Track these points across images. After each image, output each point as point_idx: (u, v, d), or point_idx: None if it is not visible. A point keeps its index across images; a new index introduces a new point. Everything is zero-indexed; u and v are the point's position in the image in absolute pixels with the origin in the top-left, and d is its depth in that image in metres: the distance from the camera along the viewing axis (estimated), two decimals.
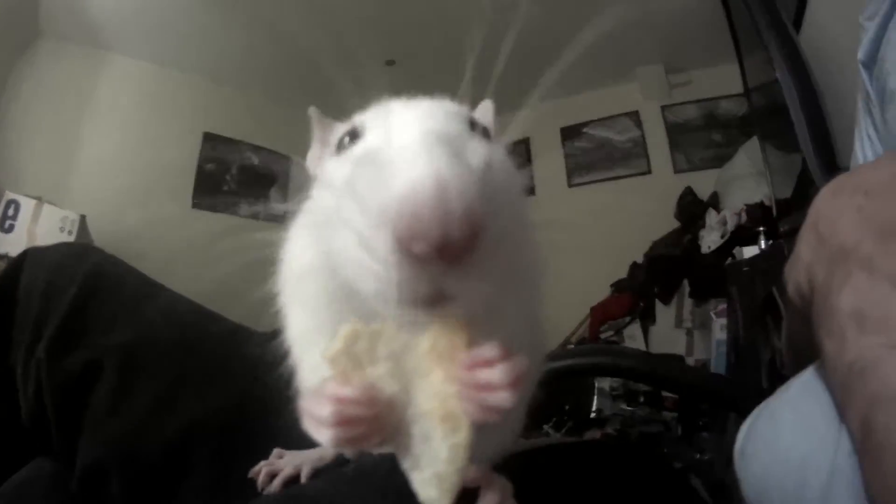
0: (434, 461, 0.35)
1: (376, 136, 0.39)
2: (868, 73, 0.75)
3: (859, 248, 0.48)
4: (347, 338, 0.37)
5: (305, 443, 0.49)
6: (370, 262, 0.33)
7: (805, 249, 0.54)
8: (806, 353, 0.55)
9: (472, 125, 0.43)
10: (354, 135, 0.42)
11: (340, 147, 0.43)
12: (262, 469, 0.66)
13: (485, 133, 0.44)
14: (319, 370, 0.41)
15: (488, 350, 0.35)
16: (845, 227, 0.50)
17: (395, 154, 0.33)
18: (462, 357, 0.35)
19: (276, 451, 0.68)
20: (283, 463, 0.66)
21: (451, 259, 0.31)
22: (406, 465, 0.37)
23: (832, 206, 0.53)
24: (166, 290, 0.88)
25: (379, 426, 0.37)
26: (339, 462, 0.64)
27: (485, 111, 0.54)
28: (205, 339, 0.82)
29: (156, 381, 0.75)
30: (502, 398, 0.34)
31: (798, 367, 0.61)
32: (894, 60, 0.70)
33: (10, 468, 0.73)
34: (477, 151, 0.35)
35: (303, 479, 0.65)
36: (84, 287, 0.77)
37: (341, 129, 0.46)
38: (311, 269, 0.42)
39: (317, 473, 0.65)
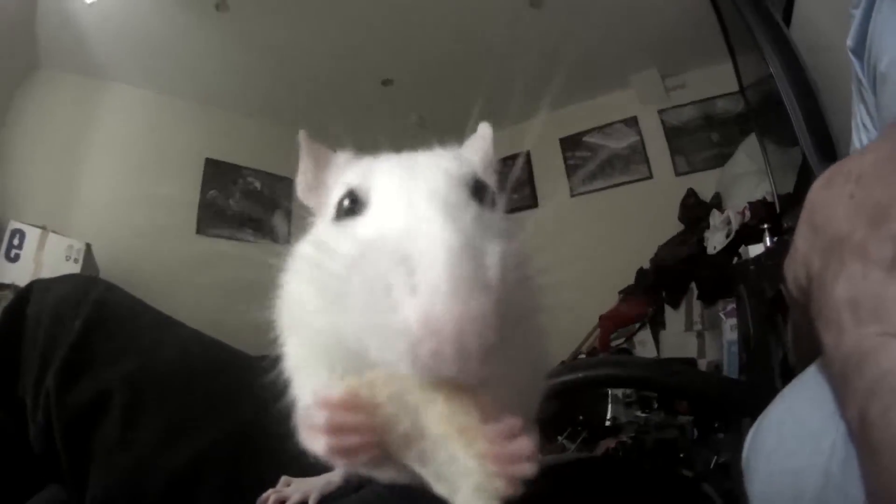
0: (468, 475, 0.36)
1: (389, 222, 0.39)
2: (858, 60, 0.75)
3: (852, 236, 0.47)
4: (348, 394, 0.37)
5: (313, 470, 0.50)
6: (383, 344, 0.35)
7: (801, 242, 0.54)
8: (811, 348, 0.55)
9: (479, 189, 0.43)
10: (354, 200, 0.43)
11: (339, 211, 0.44)
12: (269, 497, 0.66)
13: (488, 194, 0.44)
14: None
15: (511, 422, 0.37)
16: (838, 216, 0.50)
17: (418, 269, 0.34)
18: (476, 415, 0.36)
19: (283, 478, 0.68)
20: (291, 490, 0.66)
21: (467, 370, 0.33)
22: (444, 491, 0.37)
23: (825, 197, 0.53)
24: (171, 320, 0.88)
25: (374, 436, 0.37)
26: (347, 489, 0.64)
27: (483, 137, 0.56)
28: (210, 369, 0.83)
29: (162, 413, 0.76)
30: (528, 469, 0.35)
31: (805, 363, 0.61)
32: (881, 44, 0.70)
33: (23, 495, 0.74)
34: (494, 252, 0.36)
35: None
36: (89, 319, 0.77)
37: (335, 171, 0.49)
38: (312, 320, 0.43)
39: (325, 501, 0.65)
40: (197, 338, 0.88)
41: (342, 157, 0.51)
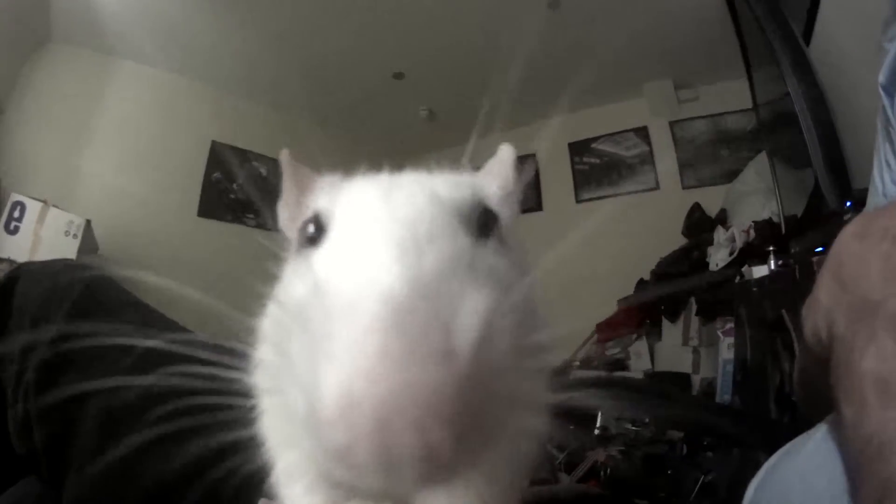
0: None
1: (338, 257, 0.30)
2: (889, 98, 0.71)
3: (886, 305, 0.43)
4: None
5: None
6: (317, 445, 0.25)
7: (824, 294, 0.50)
8: (821, 396, 0.51)
9: (484, 223, 0.34)
10: (319, 227, 0.34)
11: (301, 239, 0.35)
12: None
13: (496, 228, 0.35)
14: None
15: None
16: (871, 278, 0.45)
17: (339, 318, 0.25)
18: None
19: (262, 501, 0.66)
20: None
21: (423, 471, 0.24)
22: None
23: (856, 251, 0.48)
24: (156, 314, 0.86)
25: None
26: None
27: (502, 161, 0.45)
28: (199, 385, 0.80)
29: (141, 421, 0.73)
30: None
31: (811, 406, 0.58)
32: None
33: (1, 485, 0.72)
34: (476, 304, 0.26)
35: None
36: (73, 313, 0.75)
37: (317, 196, 0.38)
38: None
39: None
40: (182, 339, 0.85)
41: (328, 181, 0.41)
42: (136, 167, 2.68)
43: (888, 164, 0.72)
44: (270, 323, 0.35)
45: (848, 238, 0.49)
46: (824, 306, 0.49)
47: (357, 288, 0.26)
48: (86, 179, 2.59)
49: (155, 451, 0.72)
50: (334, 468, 0.25)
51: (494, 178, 0.43)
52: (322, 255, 0.31)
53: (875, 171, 0.74)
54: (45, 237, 2.22)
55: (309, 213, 0.36)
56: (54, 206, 2.29)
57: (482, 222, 0.33)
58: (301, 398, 0.26)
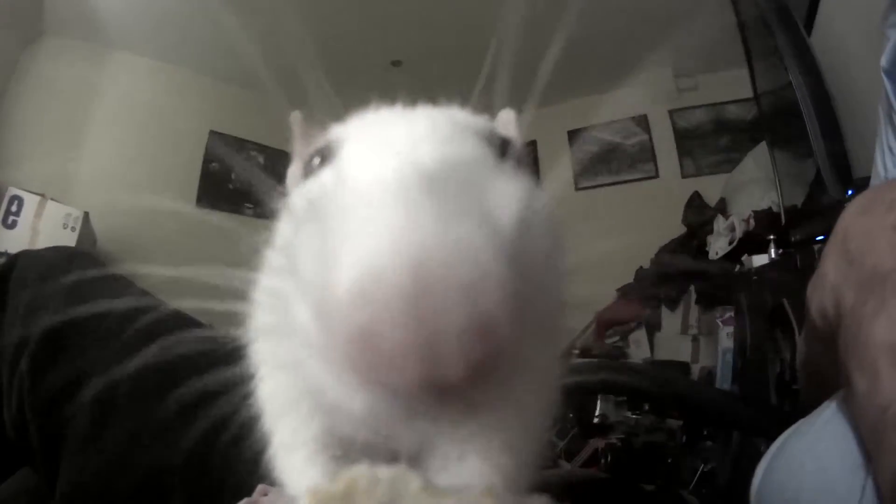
0: None
1: (342, 165, 0.26)
2: (892, 82, 0.71)
3: None
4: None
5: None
6: (326, 380, 0.22)
7: (831, 270, 0.50)
8: (825, 378, 0.51)
9: (500, 145, 0.31)
10: (326, 155, 0.31)
11: (307, 171, 0.32)
12: None
13: (516, 157, 0.32)
14: (296, 451, 0.35)
15: None
16: (879, 248, 0.45)
17: (348, 202, 0.22)
18: None
19: (260, 487, 0.65)
20: (267, 501, 0.63)
21: (450, 397, 0.20)
22: None
23: (863, 225, 0.48)
24: (151, 301, 0.85)
25: None
26: None
27: (506, 124, 0.42)
28: (188, 362, 0.79)
29: (136, 407, 0.72)
30: None
31: (814, 392, 0.57)
32: None
33: None
34: (506, 194, 0.23)
35: None
36: (67, 301, 0.74)
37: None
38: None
39: None
40: (178, 323, 0.84)
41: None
42: (133, 158, 2.67)
43: (890, 149, 0.72)
44: (269, 261, 0.31)
45: (853, 213, 0.50)
46: (831, 283, 0.49)
47: (380, 166, 0.23)
48: (83, 172, 2.58)
49: (147, 434, 0.72)
50: (354, 371, 0.20)
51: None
52: (333, 167, 0.28)
53: (877, 157, 0.74)
54: (43, 231, 2.22)
55: (317, 146, 0.33)
56: (52, 199, 2.29)
57: (500, 143, 0.31)
58: (308, 292, 0.21)
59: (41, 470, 0.71)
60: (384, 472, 0.24)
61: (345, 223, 0.20)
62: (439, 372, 0.18)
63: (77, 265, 0.80)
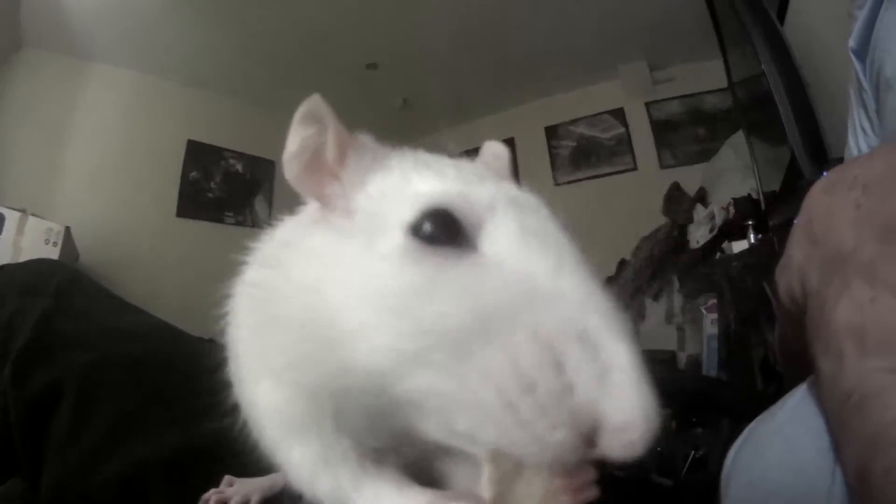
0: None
1: (537, 280, 0.33)
2: (860, 62, 0.70)
3: (859, 253, 0.41)
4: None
5: (256, 471, 0.45)
6: (510, 428, 0.30)
7: (797, 251, 0.49)
8: (801, 361, 0.48)
9: None
10: (455, 228, 0.34)
11: (435, 234, 0.34)
12: (211, 497, 0.65)
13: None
14: (319, 466, 0.38)
15: (587, 473, 0.34)
16: (842, 227, 0.44)
17: (606, 351, 0.30)
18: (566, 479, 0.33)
19: (226, 478, 0.66)
20: (233, 491, 0.64)
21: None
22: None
23: (826, 204, 0.47)
24: (134, 309, 0.86)
25: None
26: (290, 492, 0.63)
27: (497, 156, 0.48)
28: (164, 361, 0.80)
29: (113, 407, 0.74)
30: (595, 493, 0.34)
31: (793, 374, 0.55)
32: (887, 47, 0.65)
33: None
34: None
35: None
36: (49, 308, 0.76)
37: (391, 165, 0.38)
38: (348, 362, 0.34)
39: (266, 503, 0.64)
40: (155, 326, 0.86)
41: (368, 143, 0.40)
42: (113, 171, 2.66)
43: (863, 130, 0.71)
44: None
45: (817, 193, 0.48)
46: (797, 264, 0.48)
47: (602, 318, 0.32)
48: (64, 186, 2.57)
49: (125, 430, 0.73)
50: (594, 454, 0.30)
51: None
52: (497, 269, 0.33)
53: (850, 139, 0.74)
54: (25, 247, 2.20)
55: (419, 203, 0.35)
56: (33, 214, 2.27)
57: None
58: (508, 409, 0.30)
59: (25, 473, 0.72)
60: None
61: (620, 389, 0.30)
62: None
63: (56, 277, 0.81)
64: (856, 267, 0.41)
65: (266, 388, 0.39)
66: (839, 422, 0.40)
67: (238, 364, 0.41)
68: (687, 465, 1.48)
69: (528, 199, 0.38)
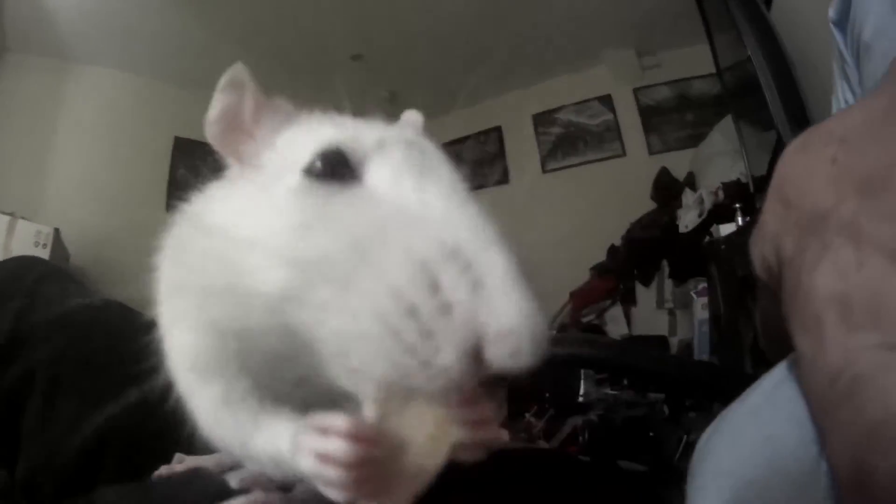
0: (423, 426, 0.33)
1: (414, 202, 0.34)
2: (841, 33, 0.68)
3: (839, 210, 0.36)
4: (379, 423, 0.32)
5: (206, 448, 0.46)
6: (399, 356, 0.30)
7: (769, 217, 0.43)
8: (784, 339, 0.41)
9: None
10: (345, 164, 0.36)
11: (326, 172, 0.36)
12: (162, 474, 0.66)
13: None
14: (221, 407, 0.39)
15: (473, 390, 0.33)
16: (818, 186, 0.38)
17: (477, 264, 0.30)
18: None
19: (177, 455, 0.67)
20: (182, 468, 0.66)
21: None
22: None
23: (800, 164, 0.42)
24: (103, 299, 0.88)
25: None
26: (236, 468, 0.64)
27: (412, 122, 0.48)
28: (131, 349, 0.81)
29: (77, 392, 0.76)
30: (495, 433, 0.34)
31: (776, 354, 0.49)
32: (864, 12, 0.62)
33: None
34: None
35: None
36: (24, 303, 0.78)
37: (302, 124, 0.41)
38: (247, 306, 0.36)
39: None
40: (123, 313, 0.87)
41: (283, 106, 0.44)
42: (100, 171, 2.66)
43: (846, 103, 0.68)
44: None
45: (790, 153, 0.44)
46: (771, 232, 0.43)
47: (474, 233, 0.32)
48: (52, 188, 2.58)
49: (86, 415, 0.75)
50: (486, 362, 0.30)
51: None
52: (378, 196, 0.35)
53: (834, 113, 0.72)
54: (15, 250, 2.22)
55: (313, 145, 0.37)
56: (22, 217, 2.29)
57: None
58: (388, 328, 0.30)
59: (5, 462, 0.74)
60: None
61: (463, 275, 0.30)
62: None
63: (30, 274, 0.83)
64: (836, 226, 0.36)
65: (178, 332, 0.41)
66: (825, 410, 0.35)
67: (159, 314, 0.43)
68: (680, 450, 1.49)
69: (421, 141, 0.39)
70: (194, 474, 0.60)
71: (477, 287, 0.30)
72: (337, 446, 0.32)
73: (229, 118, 0.43)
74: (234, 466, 0.63)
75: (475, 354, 0.29)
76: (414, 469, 0.32)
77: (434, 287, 0.30)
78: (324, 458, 0.32)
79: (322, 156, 0.37)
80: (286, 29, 2.63)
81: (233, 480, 0.56)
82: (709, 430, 0.53)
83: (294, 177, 0.37)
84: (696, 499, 0.48)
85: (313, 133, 0.39)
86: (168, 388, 0.43)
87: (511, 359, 0.29)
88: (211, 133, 0.43)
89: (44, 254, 2.28)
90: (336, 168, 0.36)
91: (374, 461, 0.32)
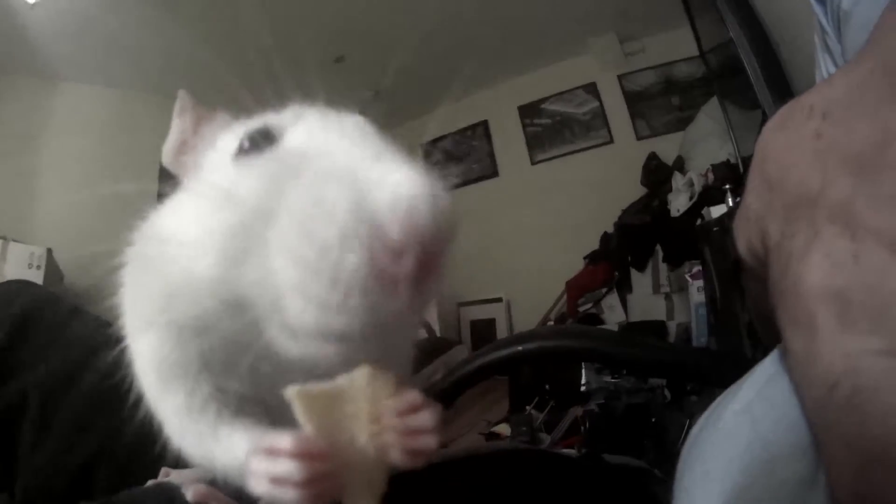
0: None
1: (321, 146, 0.35)
2: (821, 5, 0.68)
3: (829, 192, 0.32)
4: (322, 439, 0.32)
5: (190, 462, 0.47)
6: (317, 287, 0.30)
7: (753, 198, 0.40)
8: (773, 321, 0.37)
9: None
10: (268, 137, 0.38)
11: (251, 148, 0.38)
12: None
13: None
14: (184, 416, 0.40)
15: (413, 396, 0.33)
16: (802, 164, 0.35)
17: (367, 167, 0.31)
18: (388, 402, 0.33)
19: (163, 469, 0.67)
20: (168, 481, 0.66)
21: (424, 274, 0.29)
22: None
23: (781, 140, 0.38)
24: (93, 317, 0.89)
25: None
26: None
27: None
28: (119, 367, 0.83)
29: (70, 413, 0.77)
30: (430, 442, 0.33)
31: (769, 337, 0.44)
32: None
33: None
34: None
35: None
36: (15, 325, 0.79)
37: (237, 126, 0.42)
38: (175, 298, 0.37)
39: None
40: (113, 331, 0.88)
41: (222, 117, 0.46)
42: (90, 188, 2.63)
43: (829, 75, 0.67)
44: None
45: (769, 129, 0.40)
46: (755, 214, 0.40)
47: (374, 151, 0.33)
48: (42, 209, 2.56)
49: (80, 435, 0.76)
50: (394, 245, 0.29)
51: None
52: (290, 149, 0.36)
53: None
54: (8, 273, 2.22)
55: (240, 133, 0.39)
56: (14, 240, 2.29)
57: None
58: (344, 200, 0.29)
59: (3, 483, 0.75)
60: (357, 372, 0.32)
61: (378, 177, 0.30)
62: (431, 245, 0.29)
63: (23, 294, 0.84)
64: (827, 210, 0.32)
65: (142, 340, 0.42)
66: (823, 420, 0.32)
67: (124, 325, 0.44)
68: (683, 436, 1.49)
69: (341, 114, 0.40)
70: (157, 487, 0.62)
71: (376, 183, 0.30)
72: (287, 468, 0.31)
73: (178, 140, 0.46)
74: (216, 479, 0.64)
75: (378, 239, 0.29)
76: (367, 472, 0.33)
77: (319, 201, 0.30)
78: (277, 480, 0.32)
79: (247, 134, 0.38)
80: (269, 28, 2.63)
81: (188, 493, 0.57)
82: (700, 421, 0.50)
83: (226, 164, 0.39)
84: (683, 501, 0.45)
85: (242, 127, 0.41)
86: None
87: (410, 218, 0.29)
88: (165, 158, 0.47)
89: (38, 275, 2.28)
90: (260, 143, 0.37)
91: (326, 474, 0.32)
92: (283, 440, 0.32)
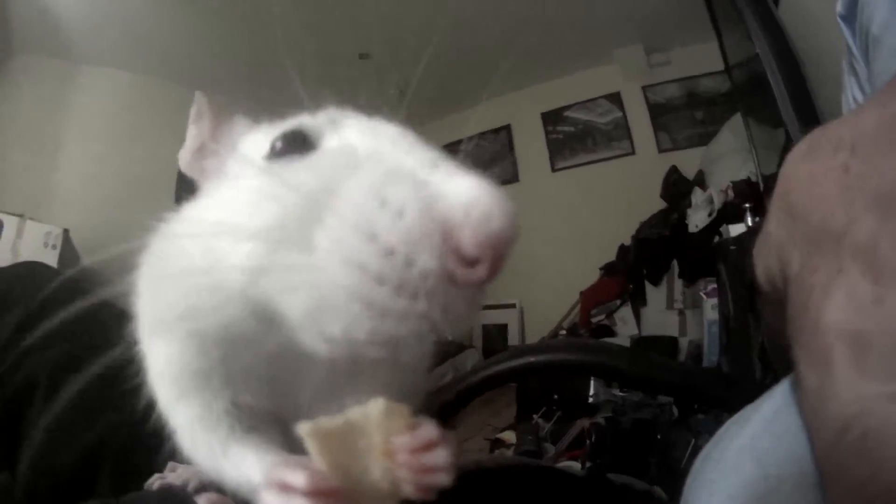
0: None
1: (369, 147, 0.35)
2: (849, 28, 0.66)
3: (854, 230, 0.31)
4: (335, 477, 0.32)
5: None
6: (379, 292, 0.28)
7: (774, 226, 0.39)
8: (787, 352, 0.37)
9: None
10: (304, 140, 0.37)
11: (284, 150, 0.37)
12: (155, 482, 0.67)
13: None
14: (197, 429, 0.40)
15: (428, 431, 0.33)
16: (828, 198, 0.34)
17: (426, 173, 0.30)
18: (403, 438, 0.32)
19: (170, 464, 0.68)
20: (174, 477, 0.66)
21: (491, 275, 0.29)
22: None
23: (806, 170, 0.37)
24: (109, 304, 0.89)
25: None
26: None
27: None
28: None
29: (79, 398, 0.78)
30: (444, 479, 0.33)
31: (784, 367, 0.43)
32: (873, 5, 0.58)
33: None
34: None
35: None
36: (31, 307, 0.80)
37: (265, 129, 0.41)
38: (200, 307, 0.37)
39: (202, 487, 0.65)
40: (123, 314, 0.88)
41: (241, 121, 0.47)
42: (109, 171, 2.65)
43: (855, 101, 0.65)
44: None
45: (796, 158, 0.39)
46: (775, 242, 0.39)
47: (434, 163, 0.32)
48: (61, 189, 2.57)
49: (86, 418, 0.77)
50: (468, 246, 0.28)
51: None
52: (334, 154, 0.35)
53: (844, 110, 0.70)
54: (24, 251, 2.22)
55: (272, 136, 0.39)
56: (31, 218, 2.29)
57: None
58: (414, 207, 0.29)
59: (7, 465, 0.76)
60: (371, 405, 0.32)
61: (449, 183, 0.30)
62: (501, 250, 0.29)
63: (38, 279, 0.85)
64: (851, 250, 0.31)
65: (160, 346, 0.41)
66: (831, 462, 0.31)
67: (138, 328, 0.44)
68: (688, 454, 1.47)
69: (374, 120, 0.39)
70: (167, 493, 0.61)
71: (427, 189, 0.29)
72: None
73: (196, 144, 0.45)
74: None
75: (450, 245, 0.28)
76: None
77: (384, 202, 0.29)
78: None
79: (282, 136, 0.38)
80: (294, 29, 2.63)
81: (201, 502, 0.57)
82: (706, 449, 0.49)
83: (257, 168, 0.38)
84: None
85: (273, 131, 0.40)
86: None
87: (485, 225, 0.28)
88: (182, 162, 0.46)
89: (53, 255, 2.28)
90: (295, 145, 0.37)
91: None
92: (297, 477, 0.31)
